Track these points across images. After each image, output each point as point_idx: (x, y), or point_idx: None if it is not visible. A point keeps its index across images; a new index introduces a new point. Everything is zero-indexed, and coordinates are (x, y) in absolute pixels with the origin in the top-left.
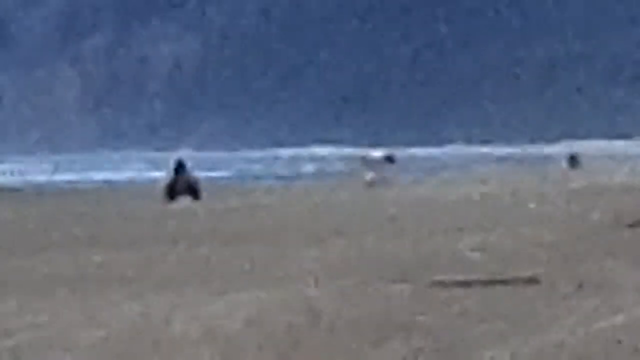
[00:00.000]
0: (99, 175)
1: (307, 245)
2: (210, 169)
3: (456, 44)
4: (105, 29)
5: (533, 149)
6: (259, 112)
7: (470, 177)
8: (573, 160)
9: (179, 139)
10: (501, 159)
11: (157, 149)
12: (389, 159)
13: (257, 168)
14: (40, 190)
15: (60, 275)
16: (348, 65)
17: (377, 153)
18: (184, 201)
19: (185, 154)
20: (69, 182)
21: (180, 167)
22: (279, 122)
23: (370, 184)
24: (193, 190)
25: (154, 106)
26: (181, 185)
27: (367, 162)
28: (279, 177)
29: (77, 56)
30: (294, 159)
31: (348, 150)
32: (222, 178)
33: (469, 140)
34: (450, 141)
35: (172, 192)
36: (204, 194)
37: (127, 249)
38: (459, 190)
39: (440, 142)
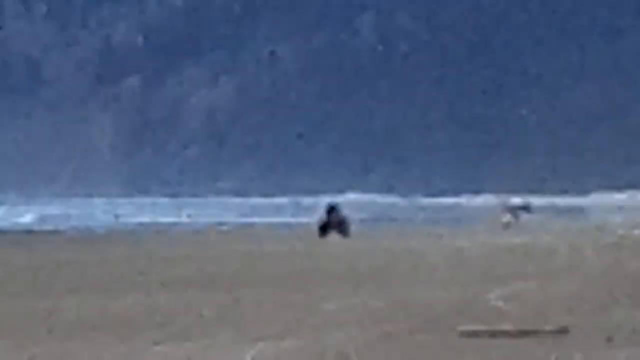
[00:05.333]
0: (133, 219)
1: (334, 294)
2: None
3: (491, 92)
4: (139, 72)
5: (563, 200)
6: (292, 157)
7: (501, 227)
8: (522, 209)
9: (212, 183)
10: (534, 210)
11: (190, 195)
12: (526, 208)
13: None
14: (81, 233)
15: (92, 318)
16: (383, 110)
17: (516, 200)
18: (334, 237)
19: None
20: (107, 226)
21: (332, 208)
22: (312, 168)
23: (506, 227)
24: (343, 229)
25: (186, 150)
26: (333, 223)
27: (506, 208)
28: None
29: (110, 99)
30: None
31: (393, 199)
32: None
33: (502, 190)
34: (482, 191)
35: (325, 229)
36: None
37: (159, 292)
38: (488, 240)
39: (471, 192)
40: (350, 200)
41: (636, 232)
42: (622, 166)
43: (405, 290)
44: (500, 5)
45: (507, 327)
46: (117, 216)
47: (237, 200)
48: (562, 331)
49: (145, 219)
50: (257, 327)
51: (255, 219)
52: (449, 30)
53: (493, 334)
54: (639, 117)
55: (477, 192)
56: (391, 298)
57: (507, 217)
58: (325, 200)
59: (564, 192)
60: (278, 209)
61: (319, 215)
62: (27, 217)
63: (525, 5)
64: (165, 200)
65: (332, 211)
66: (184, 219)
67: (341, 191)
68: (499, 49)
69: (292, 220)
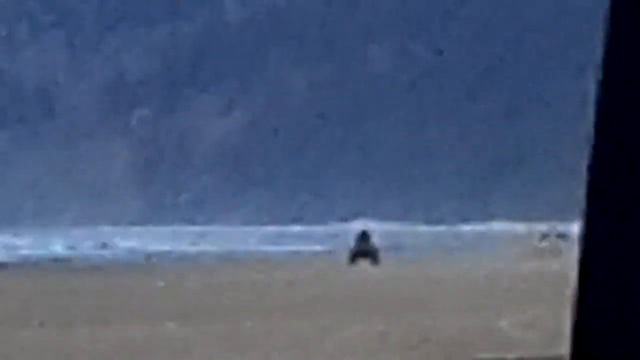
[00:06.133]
0: (146, 248)
1: (349, 321)
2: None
3: (501, 117)
4: (151, 102)
5: (575, 226)
6: (305, 186)
7: (513, 254)
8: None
9: (225, 213)
10: (545, 235)
11: (204, 223)
12: (563, 236)
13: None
14: (86, 263)
15: (94, 347)
16: (393, 138)
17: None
18: (364, 264)
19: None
20: (119, 255)
21: (363, 236)
22: (325, 196)
23: (543, 253)
24: (373, 256)
25: (199, 180)
26: (363, 251)
27: (543, 234)
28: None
29: (123, 129)
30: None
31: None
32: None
33: (512, 216)
34: (493, 217)
35: (356, 255)
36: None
37: (173, 321)
38: (500, 267)
39: (484, 218)
40: (366, 228)
41: None
42: None
43: (423, 318)
44: (509, 32)
45: (523, 354)
46: (72, 247)
47: (251, 228)
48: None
49: (160, 247)
50: (266, 355)
51: (268, 247)
52: (458, 57)
53: None
54: None
55: (493, 219)
56: (408, 325)
57: (544, 244)
58: (340, 228)
59: (578, 218)
60: (291, 238)
61: (337, 243)
62: (51, 248)
63: (531, 32)
64: (179, 228)
65: (363, 239)
66: (198, 247)
67: (353, 219)
68: (509, 75)
69: (304, 248)
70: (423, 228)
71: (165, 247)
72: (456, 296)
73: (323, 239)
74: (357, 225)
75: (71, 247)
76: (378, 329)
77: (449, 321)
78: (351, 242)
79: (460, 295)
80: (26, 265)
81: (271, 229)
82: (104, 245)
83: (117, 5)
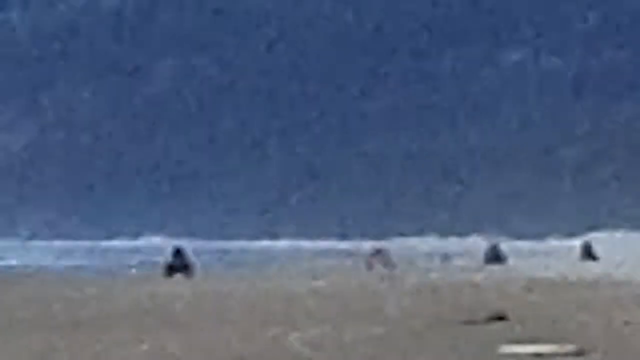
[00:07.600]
0: None
1: (133, 338)
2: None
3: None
4: None
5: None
6: (88, 202)
7: (307, 270)
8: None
9: (8, 228)
10: (340, 253)
11: None
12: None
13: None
14: None
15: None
16: (188, 154)
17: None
18: (179, 278)
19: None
20: None
21: (178, 251)
22: (116, 211)
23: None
24: (187, 270)
25: None
26: (179, 265)
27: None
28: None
29: None
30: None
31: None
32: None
33: (304, 234)
34: (281, 235)
35: (171, 270)
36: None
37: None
38: (293, 283)
39: (272, 236)
40: (151, 244)
41: (432, 275)
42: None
43: (208, 333)
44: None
45: None
46: None
47: (41, 243)
48: None
49: None
50: None
51: (64, 262)
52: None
53: None
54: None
55: (281, 237)
56: (192, 341)
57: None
58: (131, 244)
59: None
60: (83, 252)
61: (121, 258)
62: None
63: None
64: None
65: (178, 254)
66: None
67: (144, 234)
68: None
69: (92, 263)
70: (230, 243)
71: None
72: (249, 311)
73: (105, 253)
74: (146, 241)
75: None
76: (169, 343)
77: (241, 335)
78: (177, 257)
79: (253, 309)
80: None
81: (58, 243)
82: None
83: None
